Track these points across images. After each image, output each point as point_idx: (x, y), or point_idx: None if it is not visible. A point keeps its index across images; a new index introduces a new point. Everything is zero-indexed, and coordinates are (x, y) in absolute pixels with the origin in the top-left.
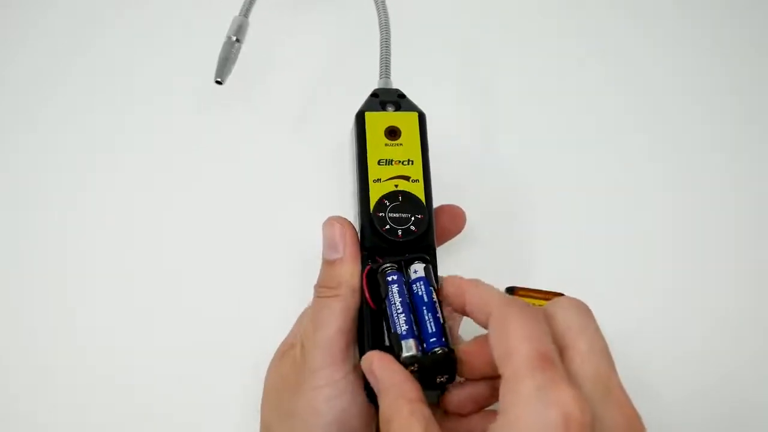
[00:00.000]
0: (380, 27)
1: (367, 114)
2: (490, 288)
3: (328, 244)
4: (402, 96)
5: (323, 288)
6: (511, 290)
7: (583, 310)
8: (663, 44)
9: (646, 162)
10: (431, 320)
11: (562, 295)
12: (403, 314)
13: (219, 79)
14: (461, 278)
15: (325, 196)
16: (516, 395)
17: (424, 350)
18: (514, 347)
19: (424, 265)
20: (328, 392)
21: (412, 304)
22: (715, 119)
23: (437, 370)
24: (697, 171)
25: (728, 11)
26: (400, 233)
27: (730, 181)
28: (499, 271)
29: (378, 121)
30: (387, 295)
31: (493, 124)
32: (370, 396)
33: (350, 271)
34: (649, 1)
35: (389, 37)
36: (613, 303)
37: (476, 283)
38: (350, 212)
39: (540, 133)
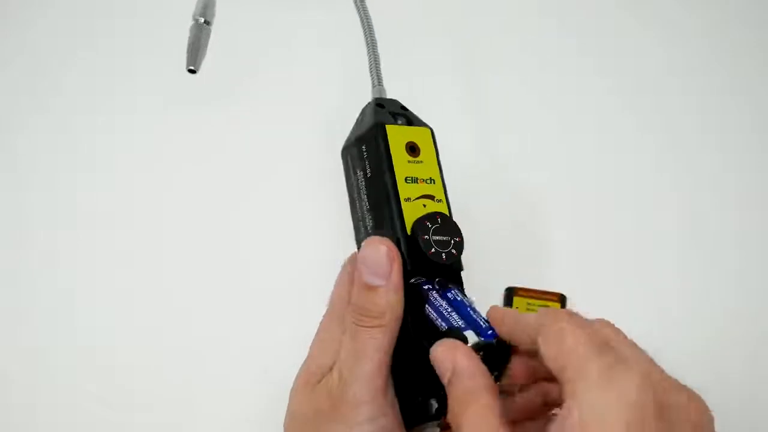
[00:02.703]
0: (364, 33)
1: (388, 127)
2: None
3: (373, 269)
4: (404, 108)
5: (365, 317)
6: (511, 290)
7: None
8: (664, 44)
9: (648, 163)
10: (480, 317)
11: (561, 295)
12: (454, 311)
13: (192, 67)
14: (501, 309)
15: (325, 203)
16: (581, 381)
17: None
18: (572, 348)
19: (437, 279)
20: (368, 429)
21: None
22: (718, 119)
23: (503, 358)
24: (700, 171)
25: (730, 11)
26: (444, 257)
27: (732, 181)
28: (500, 272)
29: (398, 135)
30: (427, 299)
31: (493, 127)
32: (409, 422)
33: (396, 300)
34: (652, 1)
35: (375, 42)
36: (613, 303)
37: (515, 312)
38: (339, 224)
39: (539, 135)
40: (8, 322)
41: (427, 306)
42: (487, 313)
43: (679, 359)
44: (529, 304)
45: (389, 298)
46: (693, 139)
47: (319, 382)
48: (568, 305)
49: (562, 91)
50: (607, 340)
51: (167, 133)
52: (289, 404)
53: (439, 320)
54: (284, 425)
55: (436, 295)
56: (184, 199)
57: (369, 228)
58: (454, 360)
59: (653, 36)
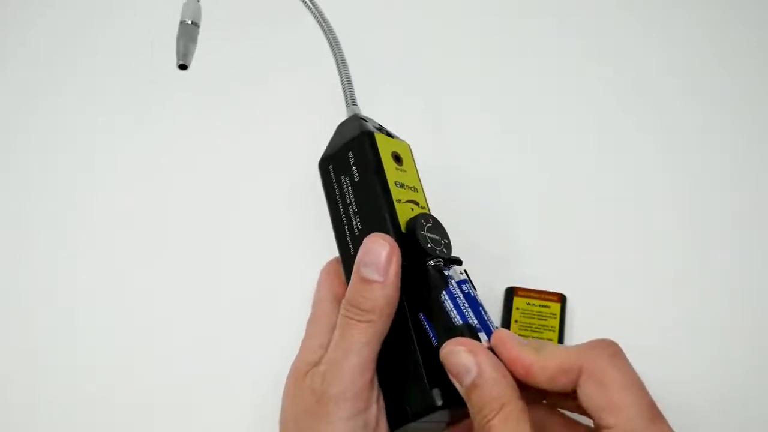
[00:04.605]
0: (334, 56)
1: (377, 135)
2: (554, 347)
3: (372, 263)
4: (382, 126)
5: (356, 309)
6: (511, 290)
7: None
8: (664, 44)
9: (648, 163)
10: (489, 319)
11: (561, 295)
12: (471, 308)
13: (183, 62)
14: (513, 344)
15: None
16: None
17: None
18: (621, 399)
19: (464, 268)
20: (352, 425)
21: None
22: (718, 119)
23: None
24: (700, 171)
25: (730, 11)
26: (437, 252)
27: (732, 181)
28: (500, 272)
29: (385, 144)
30: (447, 287)
31: (492, 128)
32: (393, 423)
33: (391, 297)
34: (653, 2)
35: (346, 63)
36: (613, 303)
37: (531, 349)
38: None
39: (539, 135)
40: (8, 322)
41: (444, 293)
42: (513, 353)
43: (679, 359)
44: (528, 304)
45: (384, 294)
46: (693, 139)
47: (303, 376)
48: (568, 305)
49: (562, 91)
50: (652, 399)
51: (167, 134)
52: (281, 404)
53: (455, 311)
54: (279, 425)
55: (455, 285)
56: (184, 200)
57: (357, 230)
58: (477, 362)
59: (653, 36)
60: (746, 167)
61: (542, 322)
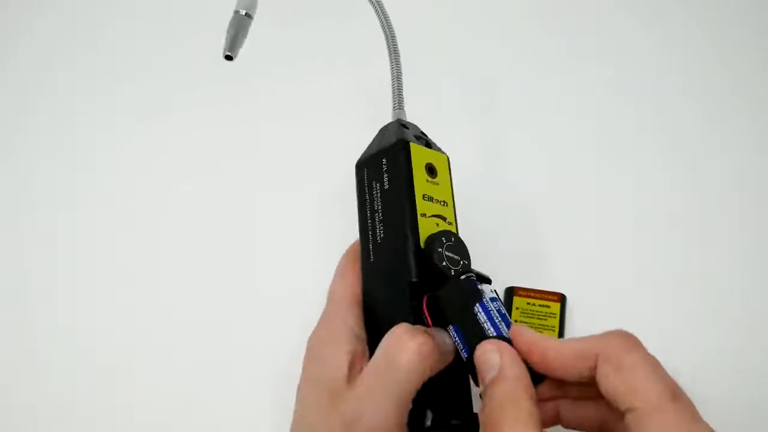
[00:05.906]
0: (390, 57)
1: (412, 145)
2: (569, 340)
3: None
4: (424, 133)
5: (422, 364)
6: (511, 290)
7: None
8: (664, 44)
9: (648, 163)
10: None
11: (561, 295)
12: (503, 320)
13: (229, 53)
14: (530, 332)
15: (333, 212)
16: (660, 424)
17: None
18: (642, 384)
19: (493, 287)
20: None
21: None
22: (718, 119)
23: (537, 379)
24: (700, 171)
25: (730, 11)
26: (453, 272)
27: (732, 181)
28: (500, 272)
29: (419, 155)
30: (481, 300)
31: (493, 128)
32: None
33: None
34: (653, 2)
35: (400, 69)
36: (613, 303)
37: (550, 338)
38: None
39: (539, 135)
40: (8, 322)
41: (478, 305)
42: (528, 339)
43: (679, 359)
44: (528, 304)
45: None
46: (693, 138)
47: (333, 395)
48: (568, 305)
49: (562, 92)
50: (672, 380)
51: (167, 132)
52: (298, 407)
53: (488, 324)
54: (293, 425)
55: (488, 299)
56: (187, 202)
57: (379, 238)
58: (501, 360)
59: (653, 36)
60: (746, 167)
61: (542, 322)
